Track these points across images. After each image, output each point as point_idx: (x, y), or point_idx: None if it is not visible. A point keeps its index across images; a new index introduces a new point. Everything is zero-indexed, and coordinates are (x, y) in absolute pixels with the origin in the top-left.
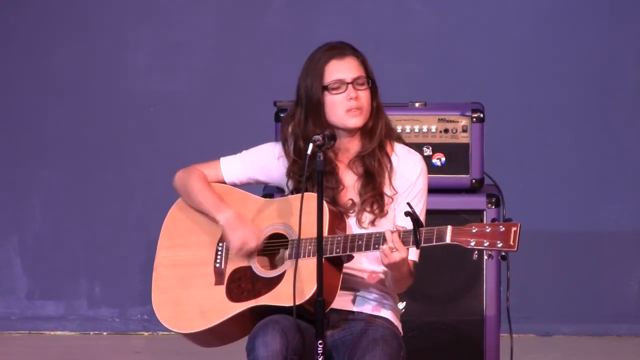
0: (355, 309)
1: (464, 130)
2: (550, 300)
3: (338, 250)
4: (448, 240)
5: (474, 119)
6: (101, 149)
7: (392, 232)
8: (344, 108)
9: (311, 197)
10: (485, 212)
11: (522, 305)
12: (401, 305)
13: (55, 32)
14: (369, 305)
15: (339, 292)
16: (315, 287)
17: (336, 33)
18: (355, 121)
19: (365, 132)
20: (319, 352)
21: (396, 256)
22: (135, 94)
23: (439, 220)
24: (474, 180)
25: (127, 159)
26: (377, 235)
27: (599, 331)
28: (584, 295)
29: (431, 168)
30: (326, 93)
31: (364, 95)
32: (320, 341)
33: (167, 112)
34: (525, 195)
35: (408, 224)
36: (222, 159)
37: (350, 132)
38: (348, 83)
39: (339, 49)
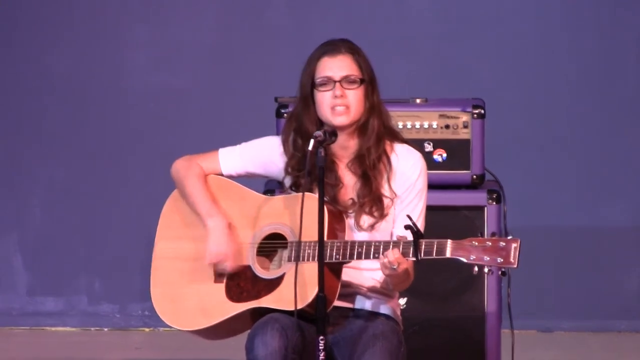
0: (355, 305)
1: (465, 126)
2: (551, 297)
3: (338, 256)
4: (448, 254)
5: (475, 115)
6: (101, 146)
7: (393, 246)
8: (329, 106)
9: (311, 198)
10: (486, 208)
11: (523, 301)
12: (402, 302)
13: (55, 30)
14: (369, 302)
15: (338, 292)
16: (315, 292)
17: (336, 29)
18: (341, 119)
19: (360, 130)
20: (320, 348)
21: (397, 269)
22: (135, 91)
23: (440, 216)
24: (474, 176)
25: (127, 156)
26: (377, 244)
27: (599, 327)
28: (584, 292)
29: (432, 164)
30: (315, 90)
31: (352, 94)
32: (321, 337)
33: (167, 109)
34: (526, 191)
35: (408, 235)
36: (220, 150)
37: (342, 129)
38: (336, 81)
39: (334, 46)
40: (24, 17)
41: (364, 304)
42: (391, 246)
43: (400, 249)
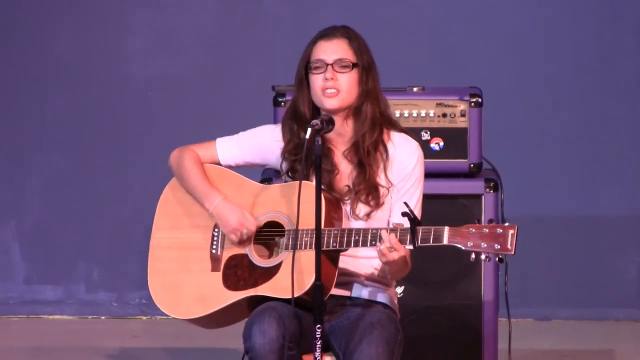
0: (352, 294)
1: (462, 115)
2: (548, 285)
3: (335, 244)
4: (445, 241)
5: (472, 104)
6: (100, 134)
7: (389, 232)
8: (320, 88)
9: (308, 186)
10: (483, 197)
11: (520, 290)
12: (399, 290)
13: (53, 17)
14: (366, 291)
15: (335, 279)
16: (313, 279)
17: (334, 17)
18: (331, 102)
19: (355, 115)
20: (317, 336)
21: (394, 255)
22: (134, 79)
23: (437, 205)
24: (472, 165)
25: (125, 144)
26: (374, 231)
27: (597, 316)
28: (582, 280)
29: (429, 152)
30: (309, 72)
31: (344, 77)
32: (318, 326)
33: (165, 97)
34: (523, 180)
35: (405, 221)
36: (218, 139)
37: (334, 113)
38: (328, 64)
39: (330, 30)
40: (24, 4)
41: (360, 292)
42: (388, 232)
43: (398, 235)
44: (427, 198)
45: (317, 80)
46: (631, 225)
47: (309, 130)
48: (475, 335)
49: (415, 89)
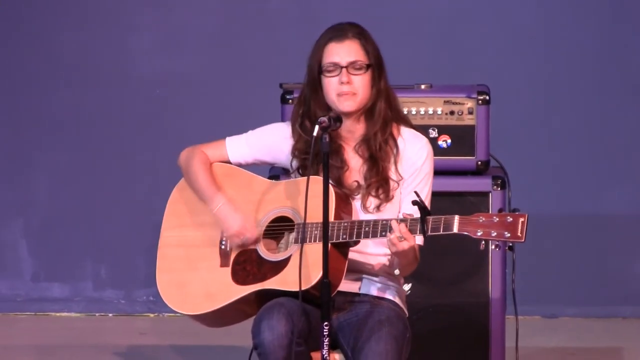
0: (360, 291)
1: (470, 112)
2: (555, 283)
3: (344, 236)
4: (455, 230)
5: (480, 101)
6: (107, 132)
7: (399, 221)
8: (336, 92)
9: (317, 181)
10: (491, 194)
11: (528, 288)
12: (407, 287)
13: (60, 15)
14: (374, 287)
15: (344, 274)
16: (321, 273)
17: (341, 14)
18: (347, 105)
19: (368, 114)
20: (325, 333)
21: (405, 245)
22: (141, 76)
23: (444, 202)
24: (479, 162)
25: (132, 142)
26: (384, 222)
27: (604, 313)
28: (589, 278)
29: (437, 150)
30: (322, 75)
31: (359, 79)
32: (326, 323)
33: (173, 94)
34: (531, 178)
35: (415, 211)
36: (227, 138)
37: (349, 115)
38: (343, 67)
39: (341, 31)
40: (28, 2)
41: (369, 289)
42: (398, 223)
43: (408, 225)
44: (434, 195)
45: (331, 84)
46: (638, 222)
47: (316, 127)
48: (483, 332)
49: (422, 87)
